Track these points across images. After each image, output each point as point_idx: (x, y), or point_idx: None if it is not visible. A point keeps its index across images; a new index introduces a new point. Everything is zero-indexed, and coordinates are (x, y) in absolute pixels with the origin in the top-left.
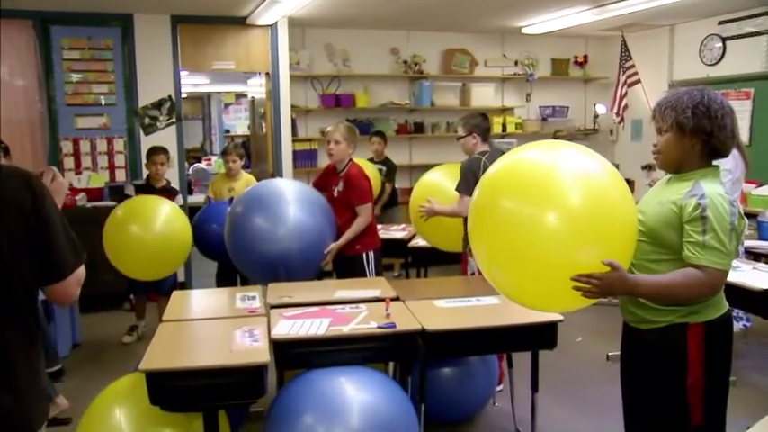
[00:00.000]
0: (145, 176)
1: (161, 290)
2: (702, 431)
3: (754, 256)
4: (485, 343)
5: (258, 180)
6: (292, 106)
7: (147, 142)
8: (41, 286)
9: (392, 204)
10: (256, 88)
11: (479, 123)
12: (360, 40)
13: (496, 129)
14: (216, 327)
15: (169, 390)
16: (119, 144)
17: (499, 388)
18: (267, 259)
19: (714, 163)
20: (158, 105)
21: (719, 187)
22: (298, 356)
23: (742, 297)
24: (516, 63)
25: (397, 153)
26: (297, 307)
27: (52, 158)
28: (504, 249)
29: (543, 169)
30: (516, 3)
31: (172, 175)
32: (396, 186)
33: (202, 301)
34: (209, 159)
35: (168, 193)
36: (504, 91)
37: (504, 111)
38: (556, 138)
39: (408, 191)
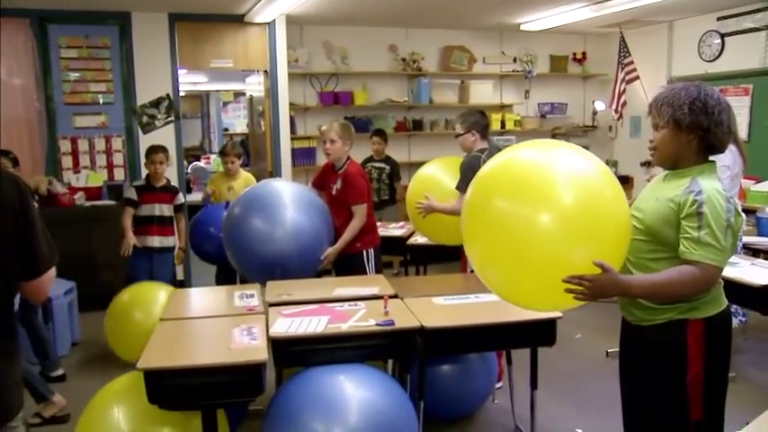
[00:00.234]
0: (144, 176)
1: None
2: (702, 427)
3: (753, 252)
4: (484, 340)
5: (257, 178)
6: (291, 104)
7: (145, 141)
8: (21, 282)
9: (391, 203)
10: (255, 86)
11: (478, 120)
12: (358, 38)
13: (495, 126)
14: (214, 325)
15: (167, 388)
16: (117, 143)
17: (498, 385)
18: (265, 260)
19: (712, 159)
20: (156, 104)
21: (717, 183)
22: (296, 354)
23: (740, 293)
24: (515, 60)
25: (396, 150)
26: (295, 305)
27: (50, 157)
28: (497, 249)
29: (537, 169)
30: None
31: (171, 174)
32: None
33: (201, 299)
34: (208, 158)
35: (169, 191)
36: (503, 88)
37: (502, 108)
38: (554, 135)
39: (405, 188)
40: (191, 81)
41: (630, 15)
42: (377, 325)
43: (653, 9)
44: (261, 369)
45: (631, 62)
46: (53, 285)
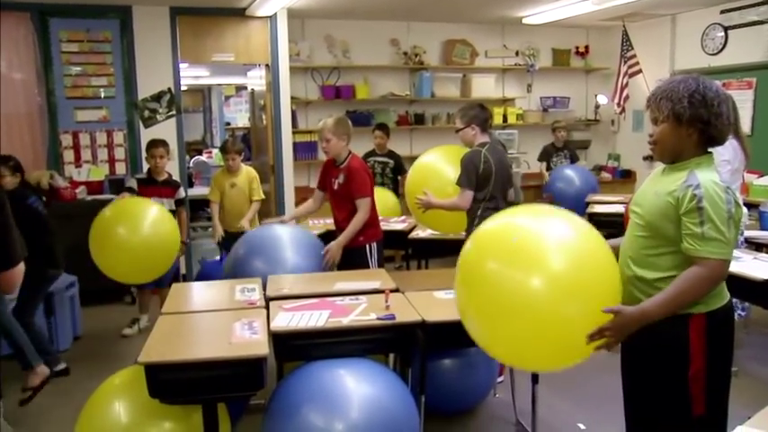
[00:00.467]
0: (146, 170)
1: (162, 282)
2: (704, 422)
3: (756, 246)
4: None
5: (259, 172)
6: (292, 98)
7: (146, 135)
8: None
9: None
10: (256, 80)
11: (477, 114)
12: (359, 31)
13: (497, 120)
14: (215, 319)
15: (168, 382)
16: (118, 137)
17: (500, 379)
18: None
19: (712, 152)
20: (158, 98)
21: (714, 175)
22: (297, 348)
23: (743, 287)
24: (517, 53)
25: (398, 144)
26: (296, 299)
27: (52, 152)
28: (486, 306)
29: (530, 235)
30: None
31: (172, 168)
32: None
33: (202, 293)
34: (210, 152)
35: (170, 186)
36: (505, 82)
37: (504, 102)
38: (554, 129)
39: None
40: (192, 75)
41: (633, 8)
42: (378, 319)
43: (656, 2)
44: (262, 363)
45: (634, 56)
46: (19, 283)
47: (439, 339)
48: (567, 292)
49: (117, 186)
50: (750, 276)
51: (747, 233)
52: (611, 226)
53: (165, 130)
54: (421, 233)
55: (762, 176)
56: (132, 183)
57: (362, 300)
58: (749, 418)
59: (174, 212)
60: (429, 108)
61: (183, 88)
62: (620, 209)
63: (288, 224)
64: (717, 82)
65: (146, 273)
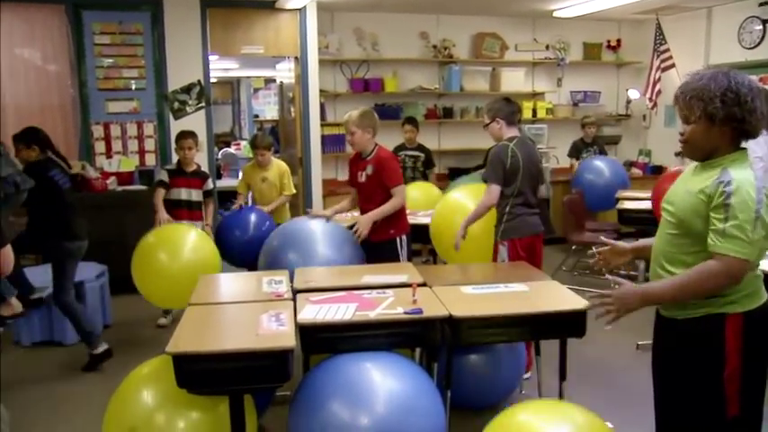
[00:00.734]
0: (175, 161)
1: None
2: (738, 423)
3: None
4: (512, 330)
5: (289, 166)
6: (321, 91)
7: (176, 126)
8: None
9: None
10: (285, 73)
11: (501, 108)
12: (389, 24)
13: (526, 114)
14: (242, 310)
15: (195, 373)
16: (149, 128)
17: (526, 376)
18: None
19: (746, 148)
20: (188, 90)
21: (749, 173)
22: (324, 341)
23: None
24: (547, 47)
25: (426, 138)
26: (323, 292)
27: (83, 143)
28: None
29: None
30: None
31: (201, 160)
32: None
33: (229, 284)
34: (239, 144)
35: (199, 177)
36: (535, 75)
37: (534, 96)
38: (584, 126)
39: (438, 176)
40: (222, 67)
41: (668, 2)
42: (405, 313)
43: None
44: (288, 355)
45: (667, 50)
46: (12, 262)
47: (466, 334)
48: None
49: (147, 177)
50: None
51: None
52: (641, 222)
53: (195, 121)
54: None
55: None
56: (163, 175)
57: (389, 293)
58: None
59: (202, 203)
60: (458, 102)
61: (213, 80)
62: (650, 205)
63: (324, 219)
64: (747, 75)
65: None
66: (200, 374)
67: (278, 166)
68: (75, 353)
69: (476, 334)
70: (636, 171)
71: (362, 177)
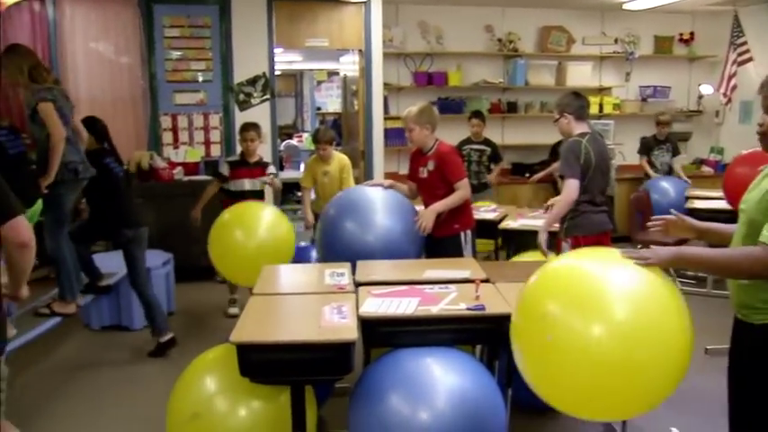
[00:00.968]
0: (239, 152)
1: None
2: None
3: None
4: None
5: (351, 159)
6: (384, 84)
7: (241, 118)
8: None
9: (484, 187)
10: (349, 66)
11: (570, 102)
12: (454, 17)
13: (593, 109)
14: (305, 302)
15: (258, 362)
16: (214, 120)
17: None
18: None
19: None
20: (253, 82)
21: None
22: (385, 335)
23: None
24: (616, 41)
25: (490, 133)
26: (385, 285)
27: (152, 133)
28: (545, 354)
29: (595, 281)
30: None
31: (265, 151)
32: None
33: (291, 275)
34: (301, 136)
35: (260, 166)
36: (602, 70)
37: (601, 90)
38: (659, 123)
39: (501, 172)
40: (285, 60)
41: None
42: (467, 309)
43: None
44: (350, 348)
45: (744, 42)
46: (29, 232)
47: None
48: (632, 338)
49: (212, 168)
50: None
51: None
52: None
53: (259, 113)
54: (512, 223)
55: None
56: (224, 168)
57: (452, 289)
58: None
59: (264, 192)
60: (522, 96)
61: (277, 73)
62: (721, 204)
63: (382, 186)
64: None
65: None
66: (263, 364)
67: (339, 159)
68: (141, 338)
69: None
70: (707, 169)
71: (424, 173)
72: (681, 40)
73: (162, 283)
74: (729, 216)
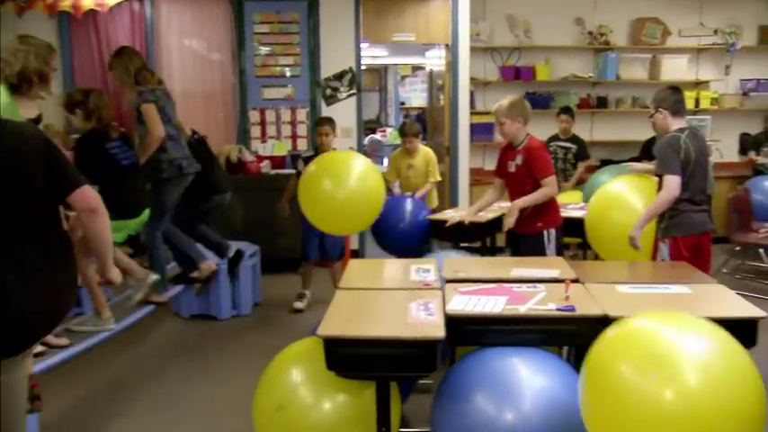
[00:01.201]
0: (315, 147)
1: (332, 255)
2: None
3: None
4: None
5: (436, 154)
6: (471, 78)
7: (327, 113)
8: (65, 198)
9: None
10: (435, 60)
11: (666, 97)
12: (543, 10)
13: (689, 104)
14: (391, 297)
15: (345, 357)
16: (301, 114)
17: None
18: None
19: None
20: (340, 77)
21: None
22: (471, 333)
23: None
24: (715, 32)
25: (578, 128)
26: (472, 283)
27: (241, 127)
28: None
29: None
30: None
31: (350, 146)
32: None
33: (377, 270)
34: (384, 131)
35: None
36: (700, 63)
37: (698, 84)
38: None
39: (589, 168)
40: (370, 55)
41: None
42: (557, 310)
43: None
44: (437, 346)
45: None
46: (97, 198)
47: None
48: (704, 405)
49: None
50: None
51: None
52: None
53: (345, 108)
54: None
55: None
56: (300, 164)
57: (540, 288)
58: None
59: None
60: (613, 91)
61: (362, 68)
62: None
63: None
64: None
65: (353, 224)
66: (350, 359)
67: (425, 153)
68: (228, 327)
69: None
70: None
71: (512, 167)
72: None
73: (249, 274)
74: None
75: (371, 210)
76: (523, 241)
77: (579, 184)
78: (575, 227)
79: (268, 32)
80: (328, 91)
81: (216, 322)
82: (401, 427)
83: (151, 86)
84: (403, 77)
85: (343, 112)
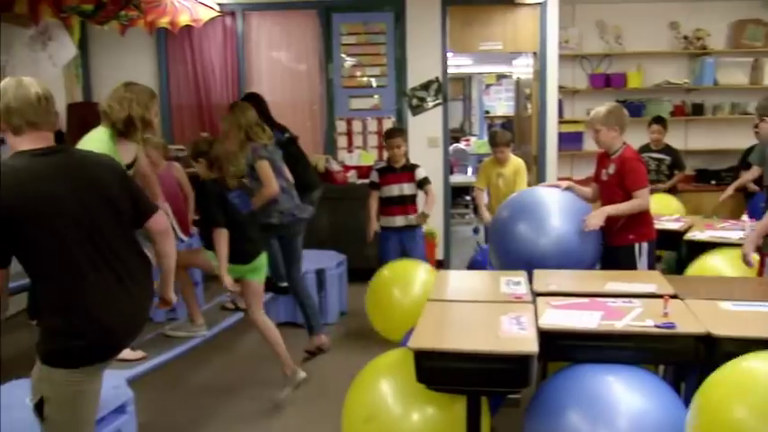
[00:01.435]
0: (386, 158)
1: None
2: None
3: None
4: None
5: (526, 164)
6: (559, 87)
7: (414, 123)
8: (142, 224)
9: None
10: (522, 68)
11: None
12: (634, 15)
13: None
14: (481, 310)
15: (436, 369)
16: (388, 124)
17: None
18: (529, 264)
19: None
20: (426, 86)
21: None
22: (564, 348)
23: None
24: None
25: (672, 137)
26: (565, 296)
27: (328, 137)
28: None
29: None
30: None
31: (436, 156)
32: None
33: (466, 282)
34: (468, 140)
35: (408, 170)
36: None
37: None
38: None
39: (685, 178)
40: (455, 64)
41: None
42: (656, 326)
43: None
44: (530, 361)
45: None
46: (167, 222)
47: (724, 355)
48: None
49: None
50: None
51: None
52: None
53: (431, 118)
54: (699, 234)
55: None
56: (373, 176)
57: (636, 303)
58: None
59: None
60: (709, 97)
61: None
62: None
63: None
64: None
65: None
66: (440, 372)
67: (515, 163)
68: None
69: (735, 356)
70: None
71: (605, 176)
72: None
73: (335, 283)
74: None
75: None
76: (614, 253)
77: (674, 192)
78: (669, 239)
79: (355, 43)
80: (414, 101)
81: (302, 330)
82: None
83: (263, 142)
84: (487, 86)
85: (430, 122)
